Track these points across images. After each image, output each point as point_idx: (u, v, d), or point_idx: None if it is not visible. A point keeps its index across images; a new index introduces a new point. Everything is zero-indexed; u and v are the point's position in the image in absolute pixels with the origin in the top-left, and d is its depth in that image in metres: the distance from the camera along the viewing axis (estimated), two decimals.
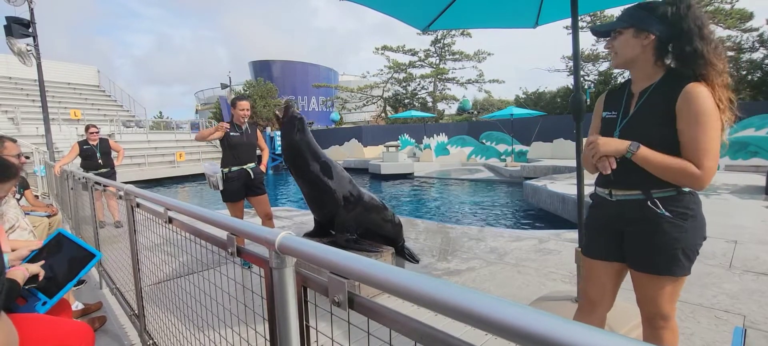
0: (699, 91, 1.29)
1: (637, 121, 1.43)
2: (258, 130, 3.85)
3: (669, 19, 1.35)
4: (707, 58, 1.31)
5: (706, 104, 1.28)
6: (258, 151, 3.95)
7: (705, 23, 1.34)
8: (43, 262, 1.78)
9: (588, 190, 1.86)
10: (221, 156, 3.65)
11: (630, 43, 1.41)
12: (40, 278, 1.69)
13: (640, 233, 1.44)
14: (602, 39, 1.59)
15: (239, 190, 3.60)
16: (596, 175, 1.66)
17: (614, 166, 1.40)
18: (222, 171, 3.57)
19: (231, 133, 3.58)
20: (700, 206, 1.41)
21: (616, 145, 1.39)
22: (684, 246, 1.37)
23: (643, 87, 1.45)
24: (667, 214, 1.37)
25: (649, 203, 1.40)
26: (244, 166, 3.61)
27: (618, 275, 1.60)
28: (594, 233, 1.62)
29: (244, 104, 3.66)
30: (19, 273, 1.59)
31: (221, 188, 3.53)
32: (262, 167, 3.83)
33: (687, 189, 1.38)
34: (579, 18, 2.38)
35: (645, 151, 1.34)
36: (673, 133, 1.34)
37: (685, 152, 1.32)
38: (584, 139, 2.36)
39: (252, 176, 3.63)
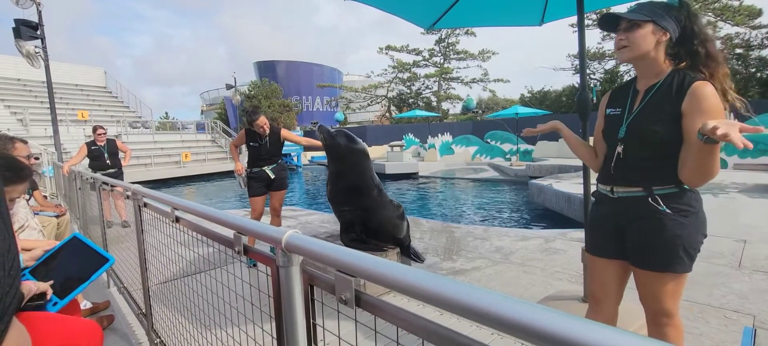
0: (706, 89, 1.31)
1: (642, 118, 1.45)
2: (282, 131, 4.11)
3: (681, 21, 1.41)
4: (712, 54, 1.38)
5: (713, 102, 1.30)
6: (292, 146, 4.20)
7: (703, 24, 1.45)
8: (52, 281, 1.79)
9: (594, 189, 1.85)
10: (247, 156, 4.07)
11: (647, 39, 1.42)
12: (48, 297, 1.68)
13: (640, 230, 1.44)
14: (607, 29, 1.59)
15: (260, 187, 4.00)
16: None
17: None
18: (245, 171, 4.05)
19: (251, 144, 4.00)
20: (701, 203, 1.43)
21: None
22: (684, 243, 1.38)
23: (649, 85, 1.47)
24: (667, 211, 1.38)
25: (650, 199, 1.41)
26: (263, 169, 3.98)
27: (622, 273, 1.59)
28: (597, 230, 1.63)
29: (260, 122, 3.90)
30: (26, 289, 1.56)
31: (245, 187, 4.08)
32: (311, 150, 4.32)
33: (687, 186, 1.38)
34: (585, 15, 2.37)
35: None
36: (678, 130, 1.36)
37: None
38: (590, 138, 2.37)
39: (272, 177, 3.98)
